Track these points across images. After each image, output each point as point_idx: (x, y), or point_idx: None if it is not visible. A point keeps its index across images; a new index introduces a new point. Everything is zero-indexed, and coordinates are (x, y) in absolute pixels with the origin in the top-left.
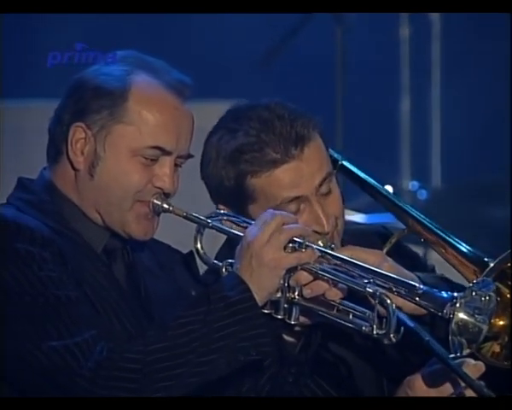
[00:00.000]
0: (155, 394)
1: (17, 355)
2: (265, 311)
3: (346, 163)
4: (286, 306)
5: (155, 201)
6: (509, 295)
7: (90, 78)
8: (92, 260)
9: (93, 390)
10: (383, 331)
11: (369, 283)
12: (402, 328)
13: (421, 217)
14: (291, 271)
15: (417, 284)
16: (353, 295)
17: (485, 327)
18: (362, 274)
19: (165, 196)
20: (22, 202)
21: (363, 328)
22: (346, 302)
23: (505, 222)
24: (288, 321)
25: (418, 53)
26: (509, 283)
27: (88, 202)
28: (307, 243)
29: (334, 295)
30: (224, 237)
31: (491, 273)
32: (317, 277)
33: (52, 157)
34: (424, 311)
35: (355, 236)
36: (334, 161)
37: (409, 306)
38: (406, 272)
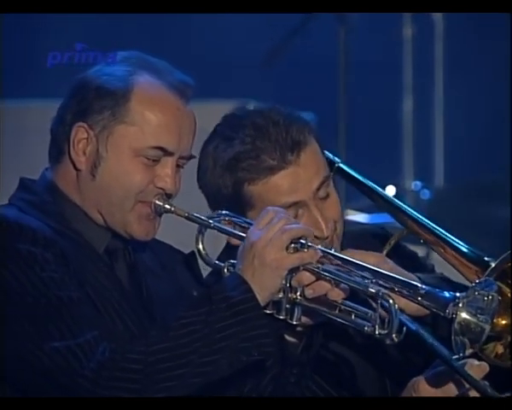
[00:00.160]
0: (157, 394)
1: (19, 356)
2: (267, 311)
3: (342, 165)
4: (288, 306)
5: (157, 201)
6: (510, 295)
7: (93, 78)
8: (94, 260)
9: (95, 391)
10: (385, 331)
11: (371, 283)
12: (404, 328)
13: (419, 217)
14: (293, 271)
15: (419, 285)
16: (355, 296)
17: (487, 327)
18: (364, 274)
19: (167, 196)
20: (24, 203)
21: (366, 328)
22: (348, 302)
23: (508, 222)
24: (290, 321)
25: (421, 53)
26: (510, 281)
27: (90, 203)
28: (309, 244)
29: (337, 295)
30: (226, 237)
31: (493, 273)
32: (319, 277)
33: (54, 157)
34: (426, 312)
35: (354, 238)
36: (331, 164)
37: (411, 308)
38: (407, 273)
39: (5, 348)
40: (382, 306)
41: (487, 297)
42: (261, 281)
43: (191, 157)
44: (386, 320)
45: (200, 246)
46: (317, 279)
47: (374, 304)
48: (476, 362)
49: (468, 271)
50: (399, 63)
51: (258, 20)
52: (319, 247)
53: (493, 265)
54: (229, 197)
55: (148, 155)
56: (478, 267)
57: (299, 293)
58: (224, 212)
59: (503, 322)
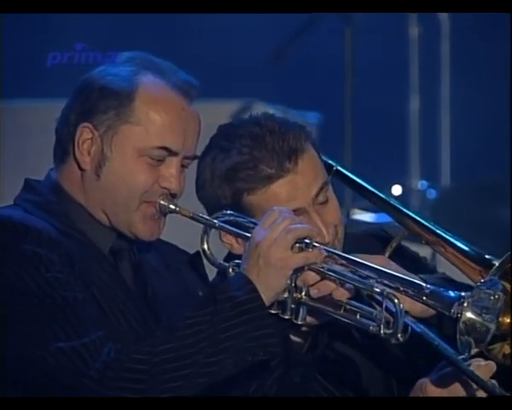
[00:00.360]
0: (162, 394)
1: (24, 356)
2: (272, 311)
3: (340, 168)
4: (293, 306)
5: (162, 201)
6: None
7: (97, 78)
8: (99, 260)
9: (100, 391)
10: (390, 331)
11: (376, 282)
12: (409, 327)
13: (419, 218)
14: (298, 271)
15: (424, 284)
16: (360, 297)
17: (492, 326)
18: (369, 274)
19: (172, 196)
20: (29, 204)
21: (371, 328)
22: (353, 302)
23: None
24: (295, 321)
25: (427, 53)
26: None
27: (94, 203)
28: (314, 243)
29: (342, 294)
30: None
31: (497, 272)
32: (324, 277)
33: (59, 157)
34: (431, 313)
35: (355, 240)
36: (329, 167)
37: (416, 309)
38: (410, 274)
39: (10, 348)
40: (387, 307)
41: (492, 296)
42: (266, 281)
43: (195, 157)
44: (392, 320)
45: (205, 246)
46: (322, 279)
47: (379, 304)
48: (483, 362)
49: (470, 270)
50: (405, 63)
51: (264, 20)
52: (324, 247)
53: (497, 264)
54: (229, 208)
55: (152, 155)
56: (480, 266)
57: (304, 293)
58: (228, 212)
59: (509, 321)
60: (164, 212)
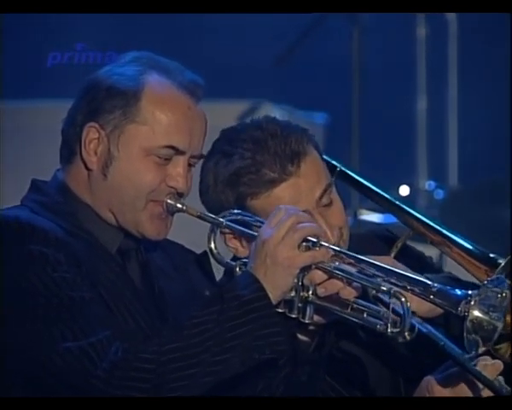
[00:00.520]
0: (170, 394)
1: (31, 357)
2: (279, 310)
3: (344, 169)
4: (300, 305)
5: (169, 200)
6: None
7: (103, 78)
8: (106, 260)
9: (108, 391)
10: (397, 330)
11: (383, 281)
12: (416, 326)
13: (424, 218)
14: (305, 270)
15: (431, 283)
16: (367, 296)
17: (499, 325)
18: (376, 273)
19: (179, 195)
20: (36, 204)
21: (378, 326)
22: (360, 301)
23: None
24: (302, 320)
25: (435, 53)
26: None
27: (101, 203)
28: (321, 242)
29: (349, 293)
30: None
31: (504, 270)
32: (331, 275)
33: (65, 158)
34: (437, 313)
35: (361, 241)
36: (332, 168)
37: (423, 309)
38: (415, 274)
39: (17, 348)
40: (394, 309)
41: (499, 295)
42: (273, 279)
43: (202, 156)
44: (399, 318)
45: (213, 245)
46: (329, 278)
47: (385, 303)
48: (490, 361)
49: (475, 269)
50: (413, 63)
51: (272, 21)
52: (331, 245)
53: (503, 263)
54: None
55: (159, 154)
56: (485, 265)
57: (311, 292)
58: (235, 211)
59: None
60: (171, 211)
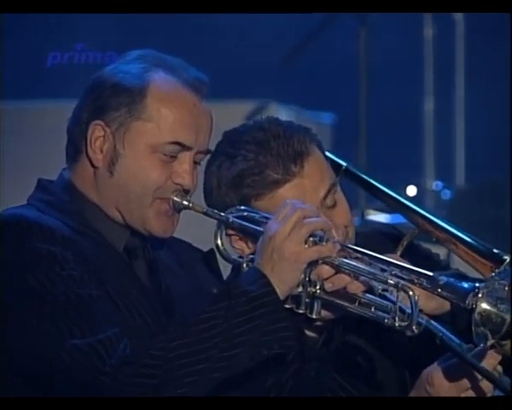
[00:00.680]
0: (178, 389)
1: (40, 354)
2: (287, 306)
3: (349, 167)
4: (307, 300)
5: (175, 198)
6: None
7: (108, 76)
8: (113, 258)
9: (116, 387)
10: (405, 323)
11: (390, 275)
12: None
13: (430, 215)
14: (312, 265)
15: (438, 276)
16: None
17: (508, 317)
18: (383, 267)
19: (185, 192)
20: (42, 203)
21: (386, 320)
22: (367, 295)
23: None
24: (310, 315)
25: (442, 53)
26: None
27: (108, 201)
28: (328, 237)
29: (356, 288)
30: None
31: (511, 266)
32: (338, 270)
33: (71, 157)
34: (444, 310)
35: (366, 239)
36: (338, 167)
37: (430, 306)
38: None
39: (25, 346)
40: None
41: (507, 287)
42: (280, 275)
43: (208, 152)
44: (406, 312)
45: (219, 241)
46: (336, 273)
47: (392, 298)
48: (488, 351)
49: (481, 266)
50: (420, 63)
51: (279, 21)
52: (338, 240)
53: (508, 259)
54: None
55: (165, 150)
56: (491, 262)
57: (318, 287)
58: (242, 207)
59: None
60: (177, 208)
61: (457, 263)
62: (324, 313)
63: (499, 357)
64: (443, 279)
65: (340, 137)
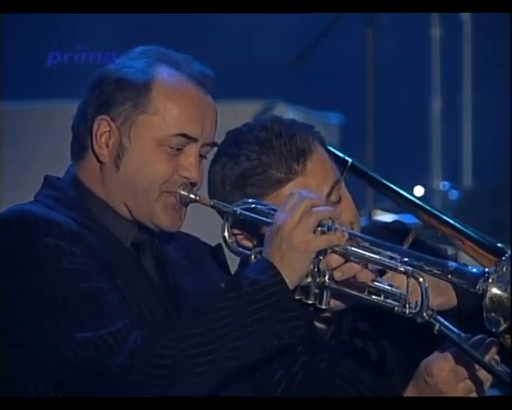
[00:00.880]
0: (189, 380)
1: (52, 349)
2: (296, 297)
3: (355, 163)
4: (316, 290)
5: (182, 191)
6: None
7: (112, 71)
8: (121, 254)
9: (128, 378)
10: (416, 310)
11: (400, 262)
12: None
13: (435, 211)
14: (321, 254)
15: (448, 262)
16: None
17: None
18: (392, 255)
19: (192, 185)
20: (50, 199)
21: (396, 308)
22: (377, 284)
23: None
24: (319, 306)
25: (449, 53)
26: None
27: (114, 196)
28: (336, 226)
29: (365, 276)
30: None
31: None
32: (347, 259)
33: (77, 153)
34: (451, 305)
35: (373, 234)
36: (343, 163)
37: (437, 301)
38: None
39: (38, 341)
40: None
41: None
42: (290, 264)
43: (215, 144)
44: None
45: (226, 234)
46: (346, 261)
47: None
48: (486, 341)
49: (486, 261)
50: (428, 63)
51: (287, 21)
52: (346, 229)
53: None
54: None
55: (171, 143)
56: (495, 256)
57: (327, 276)
58: (249, 200)
59: None
60: (184, 202)
61: (463, 259)
62: (334, 302)
63: (497, 347)
64: (452, 265)
65: (347, 138)
